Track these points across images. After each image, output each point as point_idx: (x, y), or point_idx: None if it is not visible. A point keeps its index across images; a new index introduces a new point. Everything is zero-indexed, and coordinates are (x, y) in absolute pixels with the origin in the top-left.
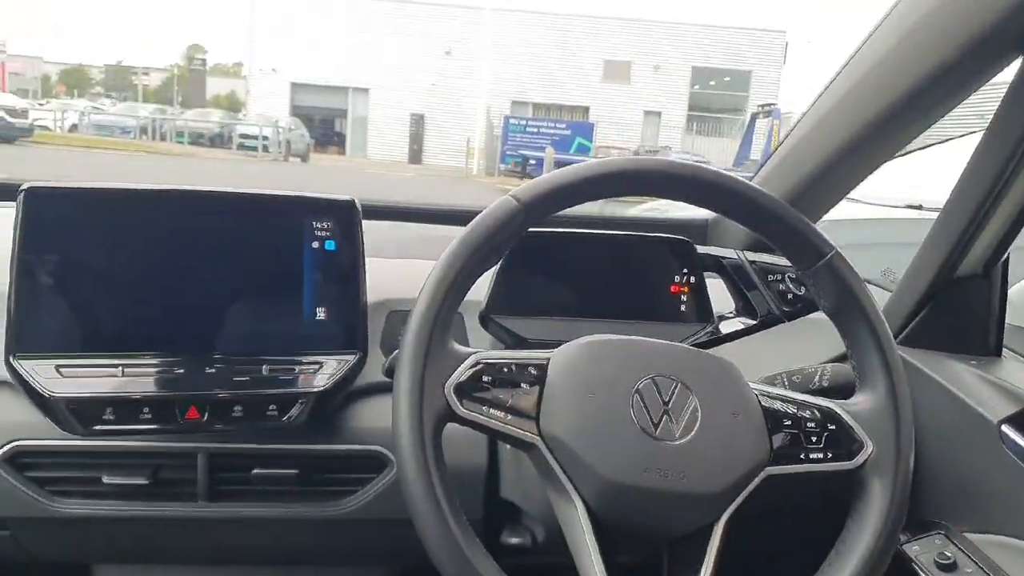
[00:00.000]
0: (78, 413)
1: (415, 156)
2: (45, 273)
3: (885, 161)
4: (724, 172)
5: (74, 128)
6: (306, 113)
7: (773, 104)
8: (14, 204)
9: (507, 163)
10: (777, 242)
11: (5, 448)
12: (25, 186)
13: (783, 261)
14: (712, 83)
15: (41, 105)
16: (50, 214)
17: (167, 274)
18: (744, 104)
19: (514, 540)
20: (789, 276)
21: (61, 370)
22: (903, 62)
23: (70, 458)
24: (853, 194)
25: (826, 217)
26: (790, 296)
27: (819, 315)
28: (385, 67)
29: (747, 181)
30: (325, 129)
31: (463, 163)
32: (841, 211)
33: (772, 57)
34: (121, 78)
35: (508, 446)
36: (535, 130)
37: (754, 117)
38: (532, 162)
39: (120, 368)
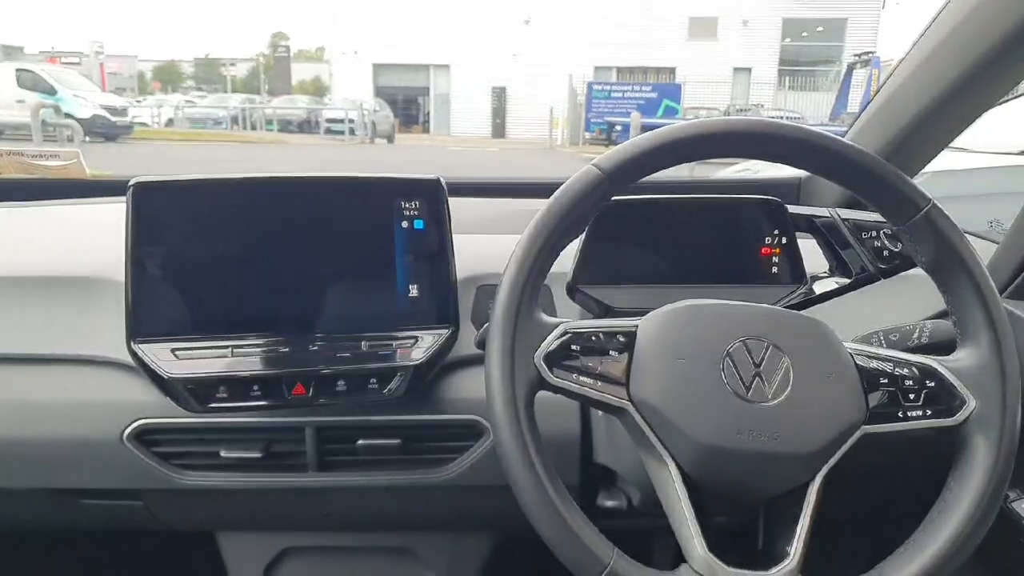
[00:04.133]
0: (194, 392)
1: (498, 130)
2: (156, 263)
3: (990, 108)
4: (809, 128)
5: (170, 122)
6: (389, 93)
7: (871, 52)
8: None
9: (592, 131)
10: (869, 198)
11: (133, 426)
12: (133, 181)
13: (878, 217)
14: (804, 34)
15: (139, 102)
16: (158, 207)
17: (268, 258)
18: (839, 55)
19: (610, 503)
20: (884, 232)
21: (176, 353)
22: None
23: (190, 434)
24: (956, 142)
25: (927, 168)
26: (886, 253)
27: (916, 272)
28: (465, 41)
29: (836, 136)
30: (408, 108)
31: (547, 134)
32: (943, 161)
33: (869, 2)
34: (210, 70)
35: (600, 413)
36: (620, 95)
37: (851, 68)
38: (618, 128)
39: (229, 349)
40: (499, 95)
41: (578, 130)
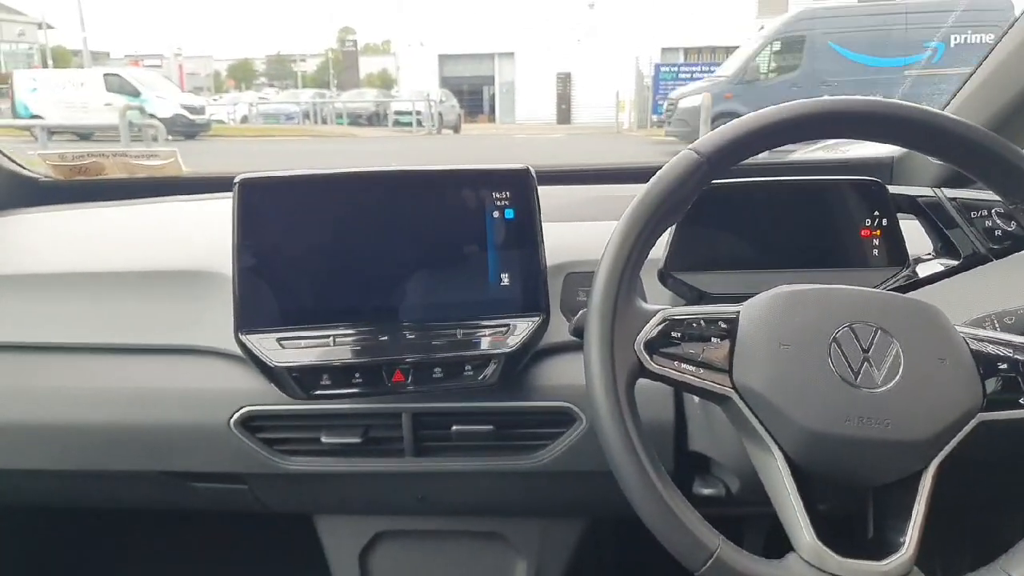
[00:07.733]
0: (299, 380)
1: (564, 116)
2: (261, 256)
3: None
4: (914, 105)
5: (245, 119)
6: (455, 84)
7: None
8: (229, 195)
9: (660, 114)
10: (981, 175)
11: (240, 412)
12: (239, 178)
13: (987, 195)
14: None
15: (215, 101)
16: (262, 202)
17: (365, 249)
18: None
19: (707, 491)
20: (996, 211)
21: (282, 342)
22: None
23: (293, 420)
24: None
25: None
26: (998, 233)
27: None
28: (529, 28)
29: (941, 112)
30: (474, 98)
31: (613, 119)
32: None
33: None
34: (281, 67)
35: (696, 399)
36: (688, 76)
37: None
38: None
39: (331, 338)
40: (564, 81)
41: (646, 113)
